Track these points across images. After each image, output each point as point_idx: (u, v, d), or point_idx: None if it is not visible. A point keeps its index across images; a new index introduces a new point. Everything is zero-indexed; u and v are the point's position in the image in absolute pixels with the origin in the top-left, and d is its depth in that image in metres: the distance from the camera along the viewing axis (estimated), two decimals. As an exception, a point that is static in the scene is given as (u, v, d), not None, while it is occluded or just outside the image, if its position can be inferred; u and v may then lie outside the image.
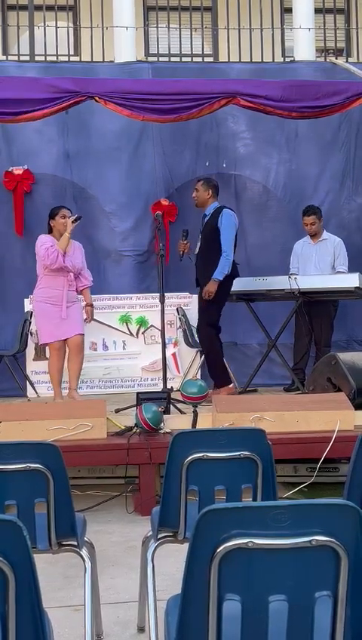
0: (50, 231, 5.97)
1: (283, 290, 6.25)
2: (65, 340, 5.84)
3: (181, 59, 8.65)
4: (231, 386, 5.96)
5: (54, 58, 8.18)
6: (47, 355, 6.97)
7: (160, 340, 5.82)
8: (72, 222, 5.88)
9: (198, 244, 6.05)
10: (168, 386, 5.64)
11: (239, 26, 8.43)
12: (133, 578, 3.29)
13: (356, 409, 4.80)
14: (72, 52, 9.34)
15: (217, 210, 5.98)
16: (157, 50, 9.08)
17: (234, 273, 5.91)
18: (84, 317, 6.12)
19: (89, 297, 6.20)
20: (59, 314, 5.79)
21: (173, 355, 7.13)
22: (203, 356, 6.42)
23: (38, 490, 2.44)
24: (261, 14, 8.51)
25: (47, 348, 6.37)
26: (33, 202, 7.41)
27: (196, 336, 6.72)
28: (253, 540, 1.47)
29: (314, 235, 6.90)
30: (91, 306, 6.22)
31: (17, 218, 7.37)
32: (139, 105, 6.02)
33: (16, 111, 5.86)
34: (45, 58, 8.20)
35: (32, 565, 1.52)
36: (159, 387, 5.85)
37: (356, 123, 7.69)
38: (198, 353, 7.05)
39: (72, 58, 9.05)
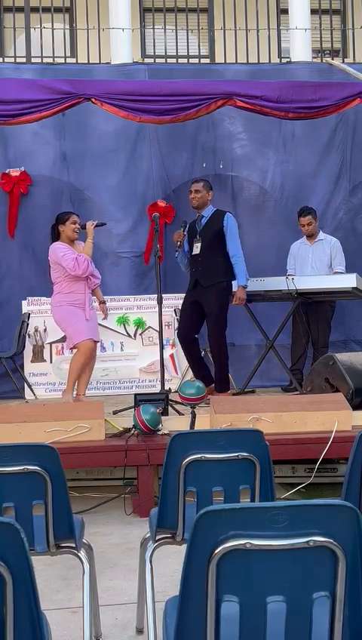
0: (57, 236, 5.92)
1: (281, 290, 6.26)
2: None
3: (177, 60, 8.65)
4: (228, 392, 5.96)
5: (51, 60, 8.17)
6: (48, 355, 6.99)
7: (158, 342, 5.82)
8: (94, 227, 5.88)
9: (197, 245, 6.01)
10: (166, 388, 5.64)
11: (235, 27, 8.43)
12: (131, 580, 3.30)
13: (354, 409, 4.81)
14: (68, 54, 9.33)
15: (218, 214, 6.00)
16: (154, 51, 9.08)
17: (232, 277, 5.96)
18: (102, 315, 6.23)
19: (101, 295, 6.23)
20: (85, 316, 5.80)
21: (171, 356, 7.13)
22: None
23: (35, 492, 2.44)
24: (257, 15, 8.52)
25: (52, 348, 6.37)
26: (30, 204, 7.41)
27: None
28: (250, 541, 1.47)
29: (311, 236, 6.91)
30: (104, 303, 6.24)
31: (10, 220, 7.36)
32: (135, 106, 6.02)
33: (12, 113, 5.86)
34: (42, 60, 8.20)
35: (30, 567, 1.52)
36: (157, 388, 5.84)
37: (352, 124, 7.70)
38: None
39: (69, 60, 9.04)
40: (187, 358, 6.27)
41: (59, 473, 2.48)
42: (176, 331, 6.27)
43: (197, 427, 4.54)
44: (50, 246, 5.86)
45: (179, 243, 5.96)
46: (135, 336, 7.22)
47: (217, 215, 5.99)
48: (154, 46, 9.71)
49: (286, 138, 7.71)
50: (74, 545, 2.57)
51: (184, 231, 5.97)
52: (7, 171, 7.38)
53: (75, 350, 5.82)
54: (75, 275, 5.74)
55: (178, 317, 7.14)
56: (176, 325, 7.19)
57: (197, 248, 6.01)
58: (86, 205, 7.41)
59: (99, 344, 7.04)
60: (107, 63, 8.05)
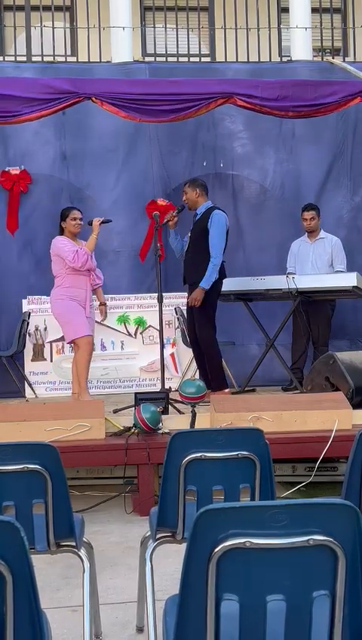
0: (61, 232, 5.95)
1: (281, 289, 6.24)
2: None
3: (178, 59, 8.64)
4: (227, 390, 5.93)
5: (51, 58, 8.16)
6: (48, 354, 6.99)
7: (158, 340, 5.82)
8: (100, 223, 5.88)
9: (187, 242, 6.03)
10: (166, 386, 5.63)
11: (236, 25, 8.42)
12: (131, 578, 3.30)
13: (354, 408, 4.81)
14: (69, 52, 9.34)
15: (208, 211, 5.94)
16: (155, 50, 9.06)
17: (221, 275, 5.87)
18: (100, 317, 6.25)
19: (102, 296, 6.27)
20: (84, 312, 5.81)
21: (171, 355, 7.13)
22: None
23: (36, 491, 2.44)
24: (258, 14, 8.52)
25: (53, 346, 6.39)
26: (30, 203, 7.41)
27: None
28: (250, 540, 1.47)
29: (312, 233, 6.92)
30: (105, 304, 6.26)
31: (10, 219, 7.35)
32: (136, 106, 6.02)
33: (13, 112, 5.86)
34: (42, 58, 8.19)
35: (30, 566, 1.52)
36: (157, 387, 5.85)
37: (353, 122, 7.70)
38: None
39: (69, 58, 9.05)
40: (195, 357, 6.25)
41: (59, 472, 2.48)
42: None
43: (198, 426, 4.54)
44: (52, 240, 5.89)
45: (166, 221, 5.92)
46: (135, 335, 7.22)
47: (207, 213, 5.92)
48: (154, 45, 9.71)
49: (287, 137, 7.70)
50: (74, 543, 2.57)
51: (176, 213, 5.94)
52: (7, 169, 7.38)
53: (74, 347, 5.83)
54: (75, 268, 5.74)
55: (178, 316, 7.15)
56: (177, 324, 7.20)
57: (186, 245, 6.02)
58: (86, 204, 7.39)
59: (98, 343, 7.08)
60: (108, 62, 8.05)
